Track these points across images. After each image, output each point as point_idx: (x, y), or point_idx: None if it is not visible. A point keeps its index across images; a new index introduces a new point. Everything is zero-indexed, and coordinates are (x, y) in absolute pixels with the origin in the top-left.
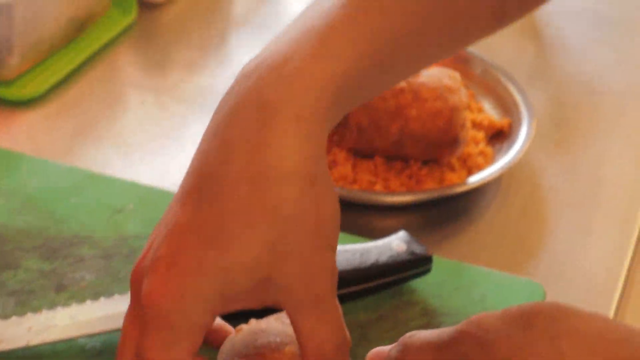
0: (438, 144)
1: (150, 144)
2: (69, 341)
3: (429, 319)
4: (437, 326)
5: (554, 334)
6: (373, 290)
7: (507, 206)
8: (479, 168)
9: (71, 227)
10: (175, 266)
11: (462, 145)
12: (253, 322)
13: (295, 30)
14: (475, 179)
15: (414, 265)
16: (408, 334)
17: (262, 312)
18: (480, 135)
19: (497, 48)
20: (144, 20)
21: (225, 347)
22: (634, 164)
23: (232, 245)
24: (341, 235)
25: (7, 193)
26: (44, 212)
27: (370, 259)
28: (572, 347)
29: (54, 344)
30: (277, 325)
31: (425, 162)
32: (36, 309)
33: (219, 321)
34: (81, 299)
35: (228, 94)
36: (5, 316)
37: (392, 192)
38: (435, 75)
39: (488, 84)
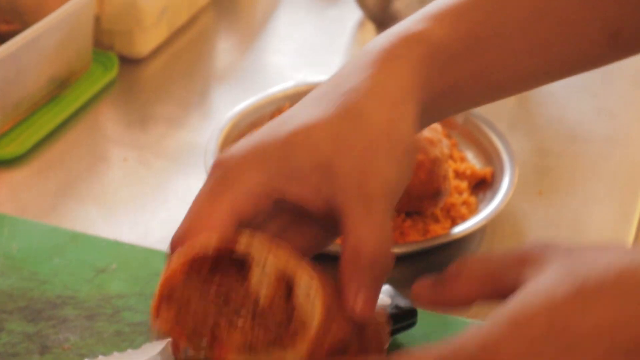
0: (420, 197)
1: (133, 201)
2: None
3: None
4: None
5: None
6: None
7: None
8: (463, 218)
9: (54, 288)
10: (250, 137)
11: (444, 197)
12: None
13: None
14: (459, 230)
15: (399, 319)
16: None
17: None
18: (464, 184)
19: None
20: (125, 76)
21: None
22: (618, 212)
23: (299, 123)
24: None
25: None
26: (26, 274)
27: None
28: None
29: None
30: None
31: (409, 214)
32: None
33: None
34: None
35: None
36: None
37: None
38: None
39: (470, 132)
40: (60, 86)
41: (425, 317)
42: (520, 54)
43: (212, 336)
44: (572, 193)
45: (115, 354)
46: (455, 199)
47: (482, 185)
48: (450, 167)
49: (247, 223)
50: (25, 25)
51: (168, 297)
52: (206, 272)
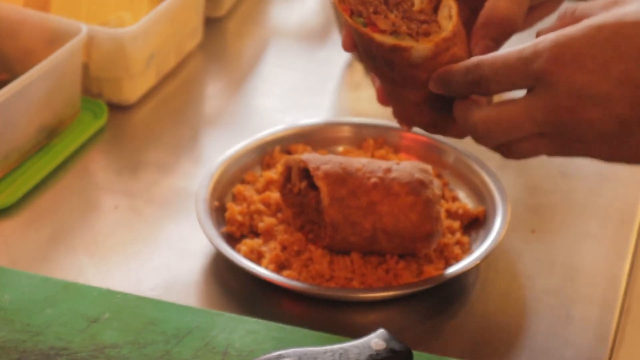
0: (412, 239)
1: (125, 249)
2: None
3: None
4: None
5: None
6: None
7: (486, 295)
8: (456, 258)
9: (47, 339)
10: None
11: (437, 239)
12: None
13: None
14: (452, 270)
15: None
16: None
17: None
18: (456, 224)
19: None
20: (114, 123)
21: None
22: (612, 248)
23: None
24: (319, 334)
25: None
26: (19, 325)
27: None
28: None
29: None
30: None
31: (402, 256)
32: None
33: None
34: None
35: None
36: None
37: (369, 288)
38: (406, 170)
39: (461, 172)
40: (49, 135)
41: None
42: None
43: (369, 19)
44: (564, 230)
45: None
46: (448, 239)
47: (475, 225)
48: (442, 207)
49: None
50: (13, 74)
51: None
52: None
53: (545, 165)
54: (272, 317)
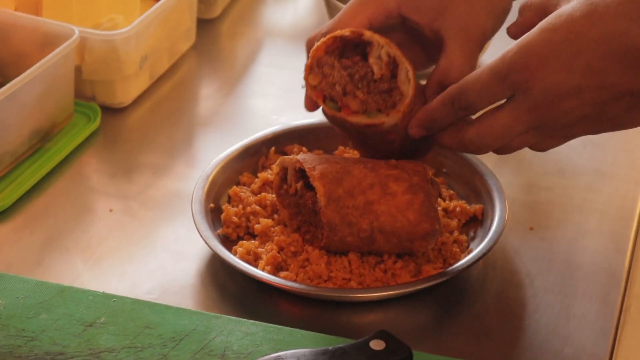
0: (410, 238)
1: (120, 252)
2: None
3: None
4: None
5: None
6: None
7: (485, 293)
8: (455, 257)
9: (43, 345)
10: None
11: (435, 237)
12: None
13: None
14: (451, 269)
15: None
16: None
17: None
18: (454, 223)
19: None
20: (108, 126)
21: None
22: (611, 244)
23: None
24: (318, 336)
25: None
26: (14, 331)
27: None
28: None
29: None
30: None
31: (400, 256)
32: None
33: None
34: None
35: None
36: None
37: (368, 288)
38: (403, 168)
39: (458, 170)
40: (42, 138)
41: (421, 359)
42: None
43: (341, 102)
44: (563, 227)
45: None
46: (446, 237)
47: (473, 223)
48: (439, 205)
49: (375, 30)
50: (5, 78)
51: (314, 67)
52: (337, 54)
53: (543, 163)
54: (270, 319)
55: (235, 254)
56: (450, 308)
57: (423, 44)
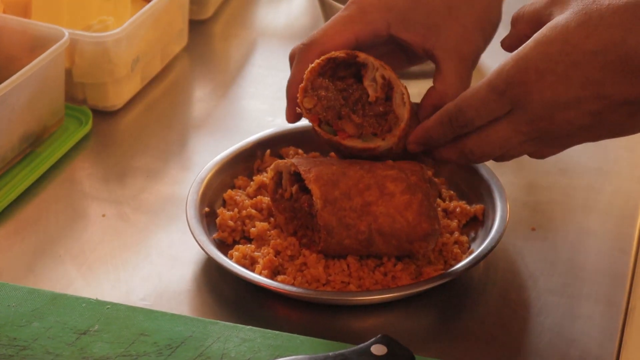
0: (410, 239)
1: (113, 258)
2: None
3: None
4: None
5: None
6: None
7: (487, 295)
8: (456, 258)
9: (35, 354)
10: None
11: (435, 238)
12: None
13: None
14: (452, 270)
15: None
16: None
17: None
18: (454, 223)
19: None
20: (99, 129)
21: None
22: (615, 244)
23: None
24: (317, 341)
25: None
26: (5, 340)
27: None
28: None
29: None
30: None
31: (400, 258)
32: None
33: None
34: None
35: None
36: None
37: (368, 291)
38: (400, 168)
39: (458, 170)
40: (33, 143)
41: None
42: None
43: (337, 125)
44: (565, 227)
45: None
46: (447, 238)
47: (473, 224)
48: (439, 206)
49: (361, 46)
50: None
51: (308, 90)
52: (329, 76)
53: (544, 162)
54: (268, 325)
55: (231, 258)
56: (452, 311)
57: (407, 54)
